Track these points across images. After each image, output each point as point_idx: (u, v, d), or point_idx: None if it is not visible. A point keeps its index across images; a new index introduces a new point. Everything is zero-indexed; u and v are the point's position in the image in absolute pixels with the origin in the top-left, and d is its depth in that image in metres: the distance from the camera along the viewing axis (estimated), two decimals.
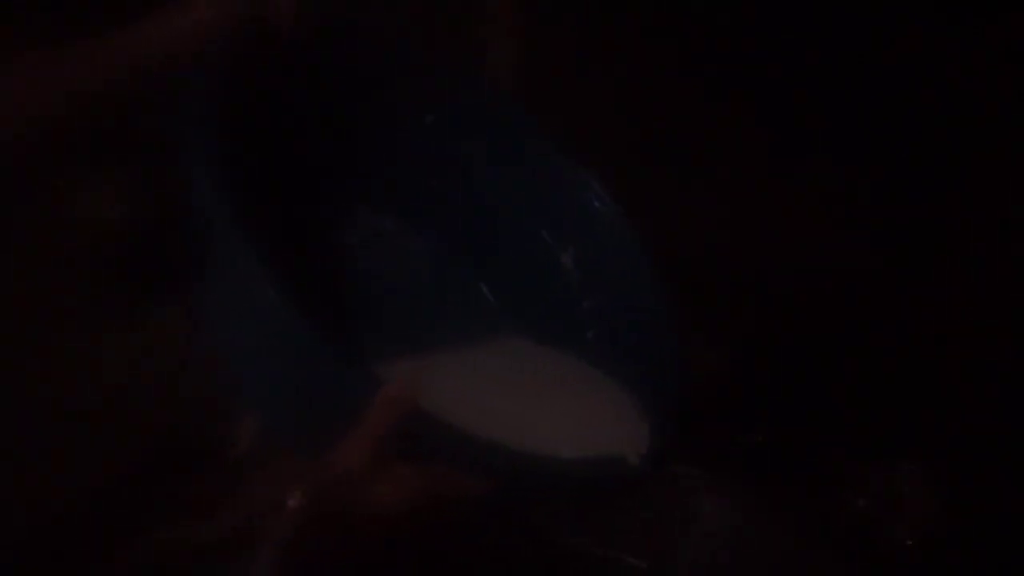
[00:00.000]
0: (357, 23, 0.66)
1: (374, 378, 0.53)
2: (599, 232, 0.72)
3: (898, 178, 0.92)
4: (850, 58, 0.92)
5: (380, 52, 0.68)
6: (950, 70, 0.90)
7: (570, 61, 0.94)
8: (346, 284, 0.71)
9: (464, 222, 0.75)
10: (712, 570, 0.76)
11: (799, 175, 0.93)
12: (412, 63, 0.70)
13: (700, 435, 0.74)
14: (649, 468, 0.58)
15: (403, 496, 0.51)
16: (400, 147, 0.73)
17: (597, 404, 0.63)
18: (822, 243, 0.93)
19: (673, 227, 0.82)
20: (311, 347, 0.51)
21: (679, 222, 0.88)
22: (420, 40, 0.72)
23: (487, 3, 0.91)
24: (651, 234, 0.71)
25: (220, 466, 0.67)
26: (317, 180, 0.71)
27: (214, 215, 0.52)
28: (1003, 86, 0.90)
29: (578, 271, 0.73)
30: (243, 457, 0.66)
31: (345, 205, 0.72)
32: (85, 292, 0.67)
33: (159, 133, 0.61)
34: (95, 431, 0.65)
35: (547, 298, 0.73)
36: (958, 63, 0.90)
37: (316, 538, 0.49)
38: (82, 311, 0.67)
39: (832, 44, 0.92)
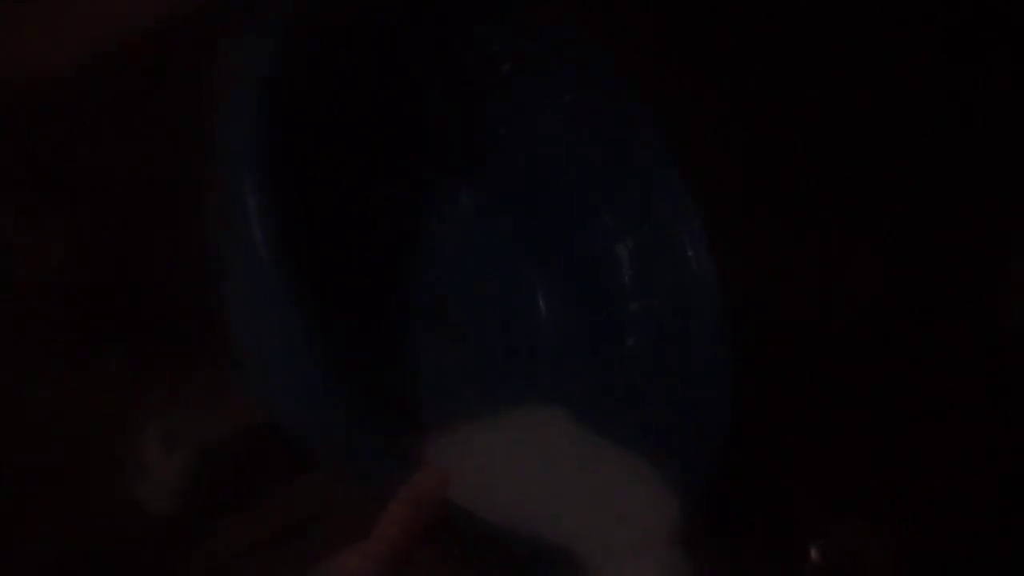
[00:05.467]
0: None
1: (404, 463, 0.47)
2: (665, 230, 0.63)
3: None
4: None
5: None
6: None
7: None
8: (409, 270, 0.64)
9: (528, 189, 0.66)
10: None
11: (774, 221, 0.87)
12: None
13: None
14: None
15: None
16: (467, 98, 0.63)
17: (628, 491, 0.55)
18: (784, 292, 0.86)
19: None
20: (340, 421, 0.46)
21: None
22: None
23: None
24: None
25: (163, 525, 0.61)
26: (373, 135, 0.62)
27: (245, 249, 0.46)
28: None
29: (632, 267, 0.64)
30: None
31: (404, 168, 0.63)
32: (26, 345, 0.60)
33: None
34: (40, 490, 0.59)
35: (593, 294, 0.65)
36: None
37: None
38: (22, 364, 0.60)
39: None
